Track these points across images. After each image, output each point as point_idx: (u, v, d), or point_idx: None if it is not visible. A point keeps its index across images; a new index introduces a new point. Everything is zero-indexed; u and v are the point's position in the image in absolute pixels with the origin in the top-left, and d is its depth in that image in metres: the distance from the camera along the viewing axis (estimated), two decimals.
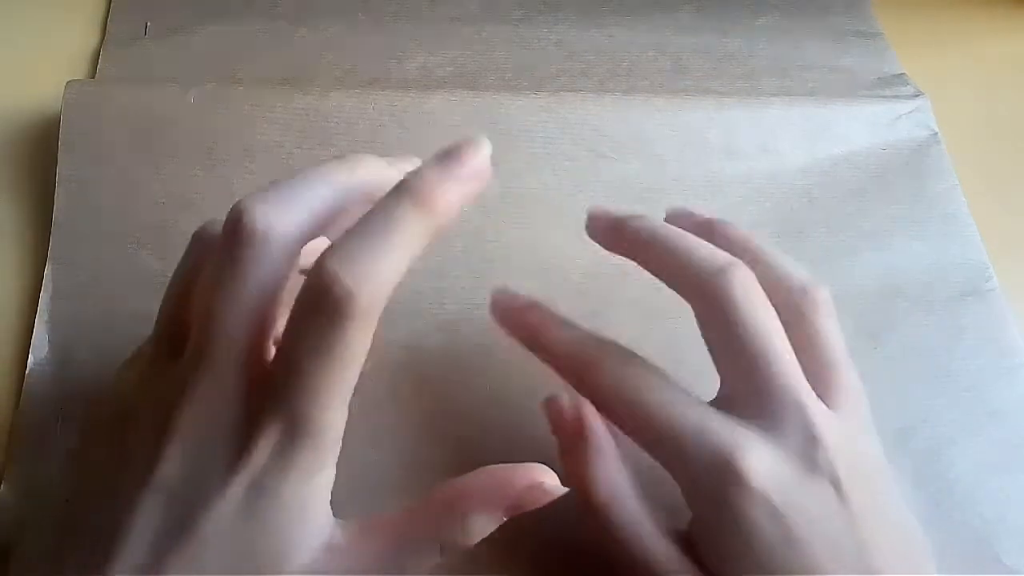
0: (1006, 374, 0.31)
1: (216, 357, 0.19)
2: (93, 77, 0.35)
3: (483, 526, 0.21)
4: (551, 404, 0.24)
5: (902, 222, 0.34)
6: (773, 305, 0.23)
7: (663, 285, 0.32)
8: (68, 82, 0.32)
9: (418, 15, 0.39)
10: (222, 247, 0.20)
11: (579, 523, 0.23)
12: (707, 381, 0.30)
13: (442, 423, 0.28)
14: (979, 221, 0.35)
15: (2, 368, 0.29)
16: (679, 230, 0.24)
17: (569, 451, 0.23)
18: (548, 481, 0.22)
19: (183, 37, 0.36)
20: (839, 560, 0.20)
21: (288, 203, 0.20)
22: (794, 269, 0.25)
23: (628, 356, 0.23)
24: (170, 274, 0.30)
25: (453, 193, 0.19)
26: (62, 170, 0.31)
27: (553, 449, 0.27)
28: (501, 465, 0.23)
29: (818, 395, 0.22)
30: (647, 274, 0.32)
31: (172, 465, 0.19)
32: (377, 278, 0.18)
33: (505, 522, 0.22)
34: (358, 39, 0.37)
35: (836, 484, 0.21)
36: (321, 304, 0.18)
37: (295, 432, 0.19)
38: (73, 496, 0.22)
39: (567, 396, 0.24)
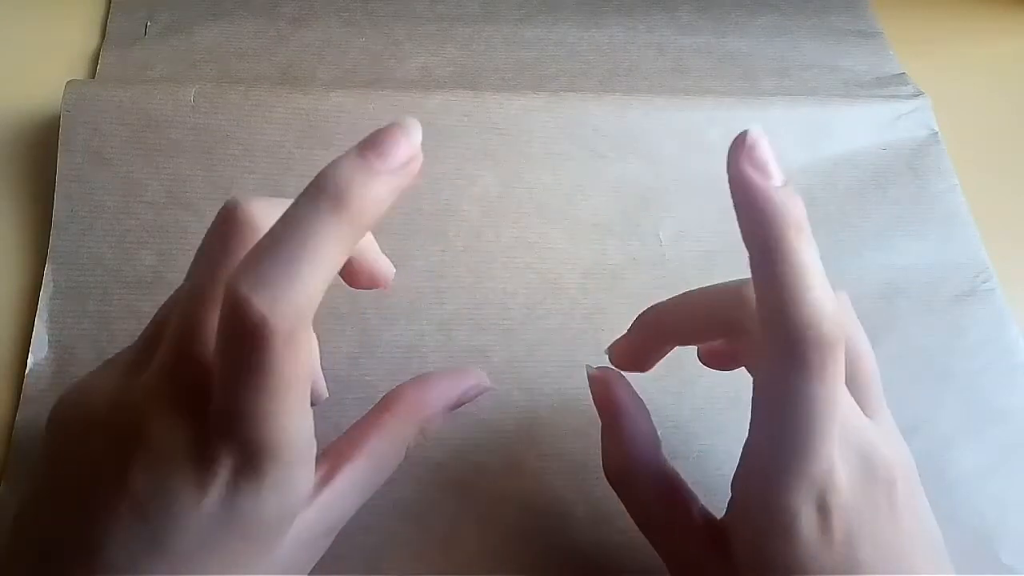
0: (1006, 374, 0.31)
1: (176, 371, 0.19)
2: (93, 77, 0.35)
3: (437, 426, 0.23)
4: (593, 378, 0.25)
5: (902, 222, 0.34)
6: None
7: (659, 284, 0.32)
8: (68, 82, 0.32)
9: (418, 15, 0.39)
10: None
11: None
12: (701, 382, 0.30)
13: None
14: (979, 221, 0.35)
15: (2, 368, 0.29)
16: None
17: (602, 428, 0.25)
18: (483, 383, 0.24)
19: (183, 37, 0.36)
20: (884, 568, 0.20)
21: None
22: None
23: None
24: (169, 274, 0.30)
25: (375, 191, 0.17)
26: (62, 170, 0.31)
27: (553, 446, 0.27)
28: (442, 373, 0.24)
29: (858, 403, 0.22)
30: (644, 274, 0.32)
31: (142, 479, 0.18)
32: (295, 300, 0.16)
33: None
34: (358, 39, 0.37)
35: (891, 497, 0.21)
36: (238, 334, 0.16)
37: (251, 457, 0.18)
38: (32, 507, 0.21)
39: (602, 370, 0.25)
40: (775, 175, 0.19)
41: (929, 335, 0.32)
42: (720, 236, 0.33)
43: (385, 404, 0.23)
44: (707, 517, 0.23)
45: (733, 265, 0.33)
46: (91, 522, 0.19)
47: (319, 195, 0.17)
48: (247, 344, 0.16)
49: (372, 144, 0.17)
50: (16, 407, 0.28)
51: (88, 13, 0.37)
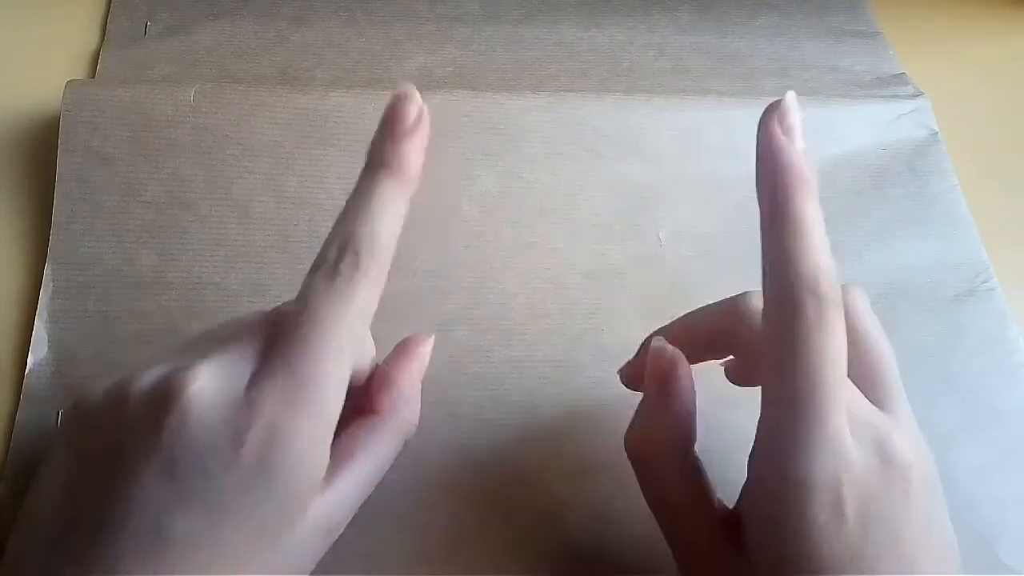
0: (1006, 374, 0.31)
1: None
2: (93, 77, 0.35)
3: (416, 396, 0.25)
4: (655, 351, 0.24)
5: (902, 222, 0.34)
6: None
7: (659, 284, 0.32)
8: (68, 82, 0.32)
9: (418, 15, 0.39)
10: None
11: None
12: (702, 384, 0.30)
13: (440, 423, 0.28)
14: (979, 221, 0.35)
15: (2, 368, 0.29)
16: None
17: (645, 401, 0.24)
18: (426, 341, 0.26)
19: (183, 37, 0.36)
20: (898, 565, 0.20)
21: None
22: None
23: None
24: (169, 274, 0.30)
25: (410, 151, 0.22)
26: (62, 170, 0.31)
27: (553, 446, 0.27)
28: (390, 357, 0.26)
29: (871, 399, 0.22)
30: (644, 274, 0.32)
31: (175, 435, 0.19)
32: (379, 239, 0.21)
33: None
34: (358, 39, 0.37)
35: (906, 490, 0.20)
36: (337, 266, 0.21)
37: (297, 391, 0.19)
38: (51, 483, 0.21)
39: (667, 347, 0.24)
40: (798, 141, 0.21)
41: (929, 335, 0.32)
42: (720, 236, 0.33)
43: (369, 407, 0.24)
44: (724, 508, 0.23)
45: (733, 265, 0.33)
46: (120, 485, 0.19)
47: (377, 168, 0.22)
48: (345, 272, 0.21)
49: (390, 118, 0.22)
50: (16, 407, 0.28)
51: (88, 13, 0.37)
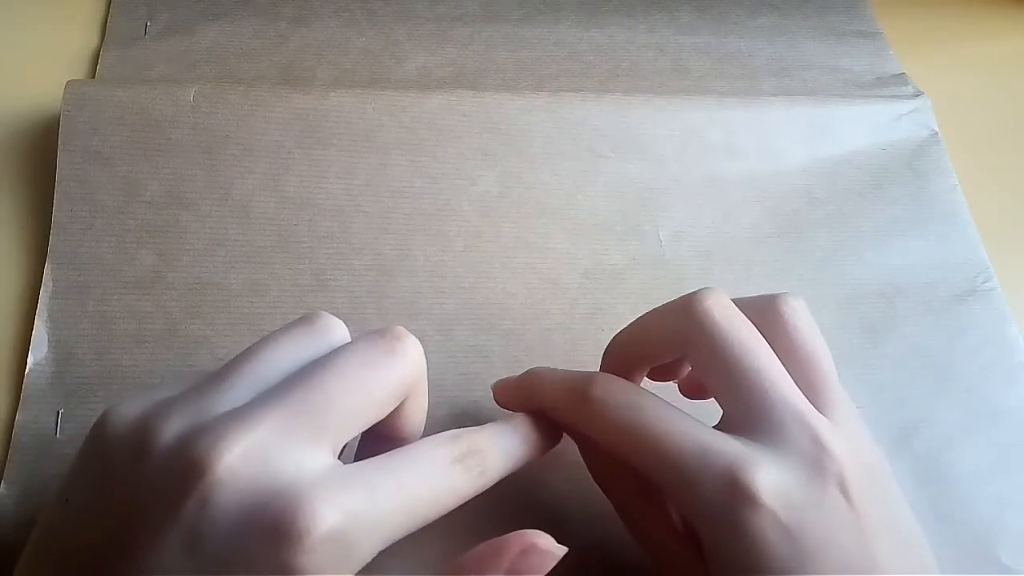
0: (1006, 374, 0.31)
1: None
2: (93, 77, 0.35)
3: None
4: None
5: (902, 222, 0.34)
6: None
7: (659, 284, 0.32)
8: (68, 82, 0.32)
9: (418, 15, 0.39)
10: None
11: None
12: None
13: (440, 423, 0.28)
14: (979, 221, 0.35)
15: (2, 368, 0.29)
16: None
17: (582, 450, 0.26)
18: (542, 542, 0.21)
19: (183, 37, 0.36)
20: (848, 569, 0.20)
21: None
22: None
23: (620, 385, 0.23)
24: (169, 274, 0.30)
25: None
26: (62, 170, 0.31)
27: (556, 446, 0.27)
28: (494, 539, 0.22)
29: (815, 405, 0.22)
30: (644, 274, 0.32)
31: (201, 511, 0.17)
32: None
33: None
34: (358, 39, 0.37)
35: (845, 491, 0.21)
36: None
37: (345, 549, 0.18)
38: (68, 519, 0.19)
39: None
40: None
41: (929, 335, 0.32)
42: (720, 236, 0.33)
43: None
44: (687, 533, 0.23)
45: (732, 265, 0.33)
46: (137, 546, 0.18)
47: None
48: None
49: None
50: (16, 407, 0.28)
51: (88, 13, 0.37)
